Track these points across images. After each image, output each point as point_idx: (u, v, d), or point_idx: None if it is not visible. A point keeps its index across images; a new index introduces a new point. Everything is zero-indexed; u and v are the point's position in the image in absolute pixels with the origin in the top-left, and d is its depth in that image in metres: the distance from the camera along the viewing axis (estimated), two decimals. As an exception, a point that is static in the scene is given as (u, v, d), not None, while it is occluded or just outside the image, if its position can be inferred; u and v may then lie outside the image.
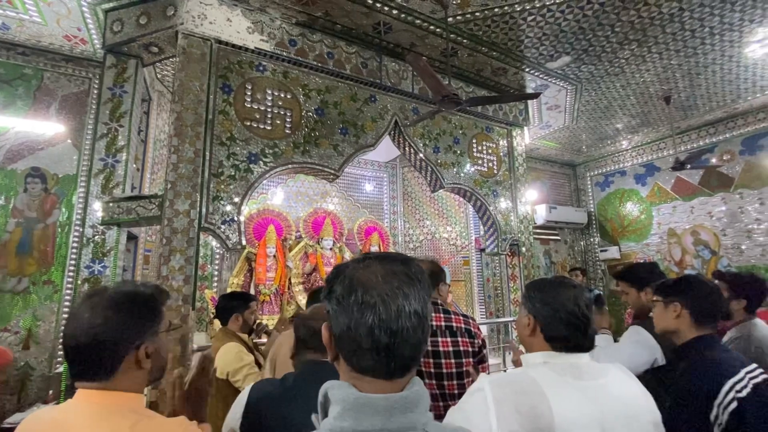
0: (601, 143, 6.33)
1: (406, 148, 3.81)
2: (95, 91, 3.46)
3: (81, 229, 2.86)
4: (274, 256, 4.84)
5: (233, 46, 2.86)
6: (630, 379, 1.04)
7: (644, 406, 1.00)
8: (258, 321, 2.46)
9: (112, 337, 0.80)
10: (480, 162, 4.16)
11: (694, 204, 5.75)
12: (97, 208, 2.71)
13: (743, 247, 5.20)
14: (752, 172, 5.18)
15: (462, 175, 3.99)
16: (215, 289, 5.02)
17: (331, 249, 5.40)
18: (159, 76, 3.96)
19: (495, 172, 4.27)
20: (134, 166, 3.30)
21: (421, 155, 3.75)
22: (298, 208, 5.92)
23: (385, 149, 4.96)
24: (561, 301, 1.04)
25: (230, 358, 2.04)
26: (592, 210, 7.11)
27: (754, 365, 1.24)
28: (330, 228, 5.47)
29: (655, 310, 1.48)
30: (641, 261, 6.10)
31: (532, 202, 6.03)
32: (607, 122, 5.45)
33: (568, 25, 3.28)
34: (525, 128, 4.69)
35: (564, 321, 1.02)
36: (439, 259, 6.75)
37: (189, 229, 2.48)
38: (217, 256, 5.19)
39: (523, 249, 4.31)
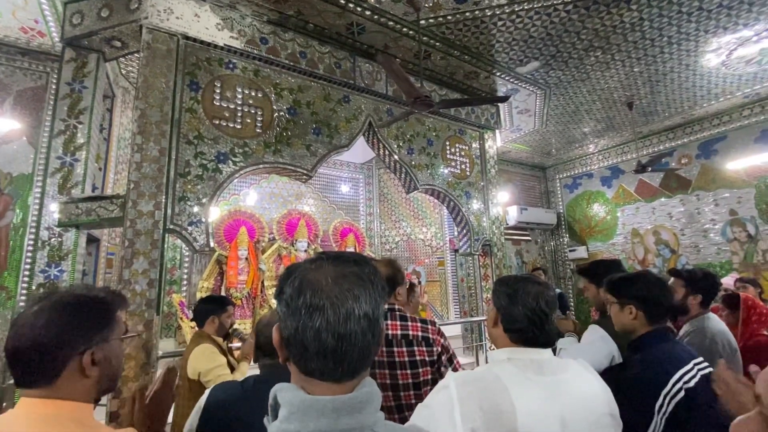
0: (569, 147, 6.55)
1: (381, 150, 3.82)
2: (53, 87, 3.28)
3: (36, 232, 2.70)
4: (246, 258, 4.74)
5: (201, 42, 2.78)
6: (589, 374, 1.08)
7: (602, 399, 1.03)
8: (233, 325, 2.42)
9: (53, 342, 0.75)
10: (453, 164, 4.22)
11: (655, 205, 6.03)
12: (54, 209, 2.57)
13: (700, 246, 5.49)
14: (708, 175, 5.48)
15: (435, 176, 4.03)
16: (184, 294, 4.86)
17: (305, 251, 5.34)
18: (123, 72, 3.82)
19: (467, 174, 4.33)
20: (96, 165, 3.15)
21: (396, 157, 3.76)
22: (271, 209, 5.83)
23: (361, 151, 4.95)
24: (522, 296, 1.07)
25: (203, 359, 2.01)
26: (562, 211, 7.34)
27: (701, 358, 1.30)
28: (304, 229, 5.41)
29: (612, 309, 1.52)
30: (617, 258, 6.36)
31: (503, 204, 6.17)
32: (574, 126, 5.65)
33: (537, 31, 3.38)
34: (497, 131, 4.79)
35: (521, 314, 1.04)
36: (414, 259, 6.80)
37: (153, 230, 2.39)
38: (187, 260, 5.03)
39: (495, 249, 4.40)
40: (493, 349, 1.18)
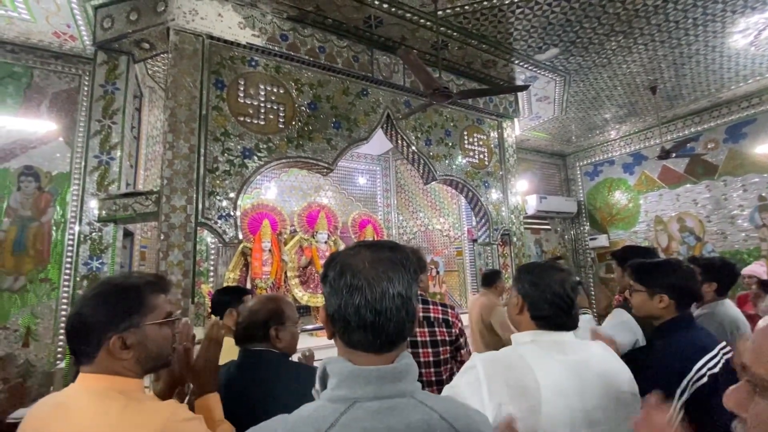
0: (589, 133, 6.43)
1: (399, 141, 3.86)
2: (86, 88, 3.44)
3: (76, 227, 2.87)
4: (270, 250, 4.89)
5: (225, 41, 2.87)
6: (610, 355, 1.13)
7: (623, 378, 1.08)
8: None
9: (85, 326, 0.84)
10: (471, 154, 4.23)
11: (679, 192, 5.89)
12: (93, 206, 2.73)
13: (727, 232, 5.35)
14: (735, 159, 5.31)
15: (454, 167, 4.05)
16: (212, 284, 5.06)
17: (325, 242, 5.45)
18: (150, 72, 3.95)
19: (486, 163, 4.34)
20: (128, 162, 3.31)
21: (414, 148, 3.80)
22: (292, 202, 5.95)
23: (378, 142, 5.00)
24: (548, 283, 1.11)
25: (224, 350, 2.09)
26: (582, 199, 7.24)
27: (724, 342, 1.32)
28: (324, 222, 5.52)
29: (637, 296, 1.51)
30: (651, 246, 6.27)
31: (522, 193, 6.13)
32: (595, 113, 5.54)
33: (556, 18, 3.34)
34: (515, 120, 4.76)
35: (549, 301, 1.09)
36: (432, 250, 6.84)
37: (186, 224, 2.52)
38: (213, 252, 5.21)
39: (514, 238, 4.41)
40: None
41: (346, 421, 0.58)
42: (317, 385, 0.68)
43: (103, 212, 2.71)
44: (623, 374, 1.09)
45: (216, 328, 1.10)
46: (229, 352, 2.15)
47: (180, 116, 2.61)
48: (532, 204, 6.48)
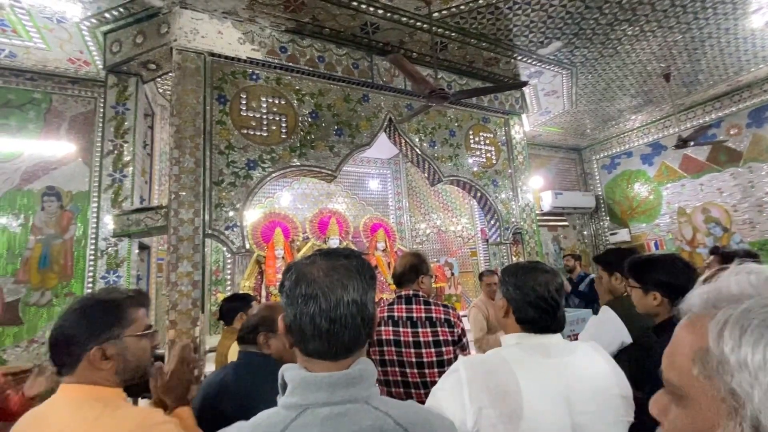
0: (604, 125, 6.26)
1: (403, 145, 3.87)
2: (101, 110, 3.61)
3: (95, 242, 3.01)
4: (283, 257, 4.97)
5: (226, 57, 2.96)
6: (599, 356, 1.09)
7: (612, 380, 1.05)
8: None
9: (66, 338, 0.89)
10: (478, 153, 4.19)
11: (703, 181, 5.65)
12: (108, 222, 2.85)
13: (756, 222, 5.09)
14: (761, 144, 5.06)
15: (460, 167, 4.02)
16: (229, 293, 5.18)
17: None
18: (161, 90, 4.11)
19: (494, 162, 4.29)
20: (142, 179, 3.45)
21: (418, 150, 3.80)
22: (304, 209, 6.04)
23: (387, 146, 5.02)
24: (531, 286, 1.09)
25: (233, 356, 2.17)
26: (600, 193, 7.04)
27: None
28: (335, 227, 5.57)
29: (634, 293, 1.49)
30: (634, 246, 6.05)
31: (536, 190, 6.01)
32: (607, 104, 5.39)
33: (555, 11, 3.28)
34: (523, 116, 4.68)
35: (533, 304, 1.07)
36: (446, 251, 6.79)
37: (194, 236, 2.60)
38: (229, 262, 5.35)
39: (527, 237, 4.33)
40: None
41: (295, 428, 0.60)
42: (280, 392, 0.70)
43: (118, 228, 2.82)
44: (612, 376, 1.06)
45: (187, 349, 1.14)
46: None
47: (185, 132, 2.71)
48: (547, 201, 6.35)
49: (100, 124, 3.55)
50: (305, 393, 0.63)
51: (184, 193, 2.62)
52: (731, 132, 5.32)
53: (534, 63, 4.09)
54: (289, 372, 0.66)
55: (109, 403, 0.86)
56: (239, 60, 3.01)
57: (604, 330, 1.60)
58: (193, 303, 2.51)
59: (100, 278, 2.82)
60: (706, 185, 5.61)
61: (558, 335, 1.10)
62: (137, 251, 3.08)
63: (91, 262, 3.38)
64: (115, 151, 2.98)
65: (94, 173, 3.54)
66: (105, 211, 2.88)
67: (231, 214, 2.79)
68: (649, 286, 1.38)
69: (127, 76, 3.11)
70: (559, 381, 0.99)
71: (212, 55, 2.91)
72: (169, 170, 2.69)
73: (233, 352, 2.23)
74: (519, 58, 3.97)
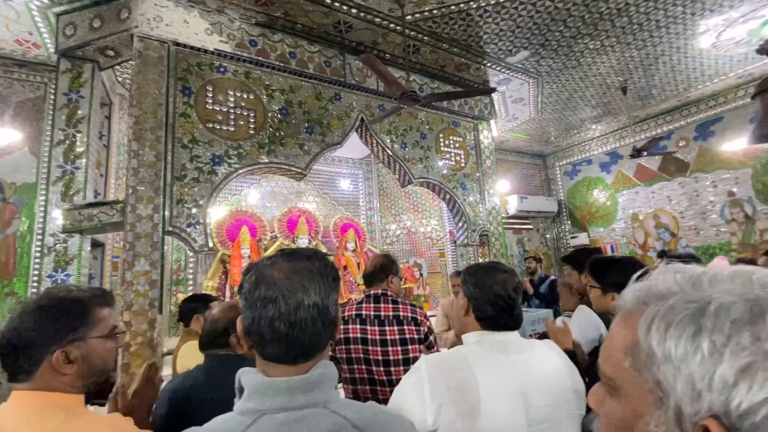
0: (567, 134, 6.54)
1: (374, 145, 3.87)
2: (51, 97, 3.37)
3: (42, 238, 2.81)
4: (249, 257, 4.84)
5: (192, 48, 2.85)
6: (554, 354, 1.14)
7: (566, 376, 1.10)
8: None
9: (24, 341, 0.81)
10: (447, 156, 4.26)
11: (654, 189, 6.03)
12: (57, 216, 2.67)
13: (700, 228, 5.49)
14: (705, 156, 5.47)
15: (430, 169, 4.08)
16: (191, 293, 4.98)
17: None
18: (120, 79, 3.89)
19: (462, 165, 4.38)
20: (97, 171, 3.25)
21: (389, 151, 3.81)
22: (273, 207, 5.91)
23: (359, 146, 5.00)
24: (490, 285, 1.13)
25: (189, 356, 2.08)
26: (562, 198, 7.35)
27: None
28: (305, 226, 5.50)
29: (593, 293, 1.58)
30: (598, 246, 6.38)
31: (503, 193, 6.19)
32: (570, 113, 5.64)
33: (523, 21, 3.39)
34: (491, 122, 4.81)
35: (491, 302, 1.10)
36: (416, 252, 6.86)
37: (153, 233, 2.48)
38: (192, 261, 5.14)
39: (493, 239, 4.45)
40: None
41: None
42: (237, 396, 0.67)
43: (68, 223, 2.65)
44: (566, 372, 1.11)
45: (153, 369, 1.08)
46: (198, 356, 2.15)
47: (145, 124, 2.58)
48: (513, 204, 6.56)
49: (51, 112, 3.31)
50: (262, 398, 0.61)
51: (142, 188, 2.50)
52: (680, 144, 5.71)
53: (503, 70, 4.21)
54: (246, 376, 0.64)
55: (71, 411, 0.80)
56: (206, 51, 2.90)
57: (587, 329, 1.68)
58: (150, 303, 2.39)
59: (47, 277, 2.63)
60: (657, 193, 5.99)
61: (516, 333, 1.14)
62: (89, 248, 2.90)
63: (37, 260, 3.14)
64: (67, 141, 2.79)
65: (42, 164, 3.30)
66: (54, 204, 2.70)
67: (194, 210, 2.68)
68: (607, 287, 1.46)
69: (82, 62, 2.92)
70: (517, 377, 1.03)
71: (177, 44, 2.79)
72: (127, 163, 2.56)
73: (185, 355, 2.13)
74: (488, 65, 4.07)
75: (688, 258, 2.13)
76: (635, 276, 0.48)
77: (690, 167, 5.61)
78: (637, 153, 4.72)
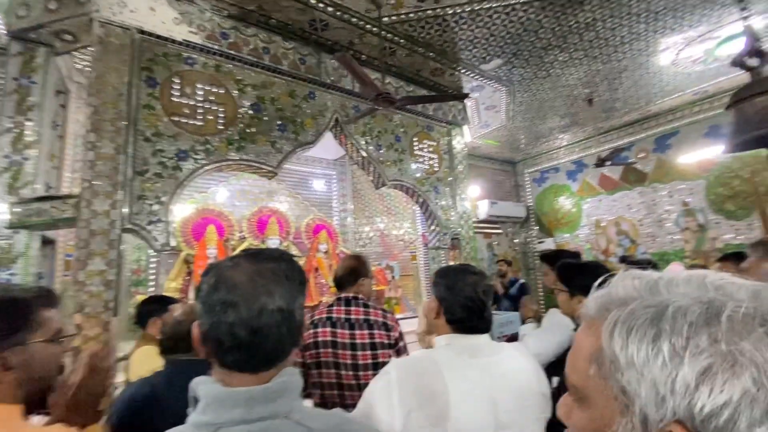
0: (537, 142, 6.75)
1: (349, 146, 3.83)
2: (0, 82, 3.13)
3: (-16, 234, 2.58)
4: (215, 257, 4.67)
5: (158, 37, 2.72)
6: (522, 357, 1.15)
7: (533, 379, 1.11)
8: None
9: None
10: (421, 160, 4.28)
11: (616, 198, 6.31)
12: (2, 210, 2.46)
13: (656, 235, 5.79)
14: (663, 168, 5.78)
15: (404, 172, 4.08)
16: (151, 294, 4.75)
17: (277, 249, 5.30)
18: (79, 66, 3.66)
19: (436, 169, 4.41)
20: (50, 163, 3.03)
21: (364, 153, 3.79)
22: (242, 207, 5.73)
23: (334, 146, 4.94)
24: (461, 287, 1.13)
25: (143, 363, 1.96)
26: (531, 204, 7.57)
27: None
28: (275, 227, 5.37)
29: (560, 296, 1.62)
30: (577, 251, 6.62)
31: (474, 198, 6.30)
32: (540, 122, 5.82)
33: (498, 30, 3.47)
34: (465, 127, 4.88)
35: (462, 305, 1.10)
36: (388, 254, 6.86)
37: (110, 230, 2.33)
38: (153, 260, 4.91)
39: (464, 243, 4.50)
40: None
41: None
42: (192, 407, 0.63)
43: (15, 218, 2.45)
44: (533, 375, 1.12)
45: (97, 356, 0.99)
46: (154, 361, 2.02)
47: (104, 114, 2.43)
48: (483, 209, 6.68)
49: (-1, 98, 3.07)
50: (219, 410, 0.56)
51: (99, 182, 2.35)
52: (640, 155, 6.01)
53: (476, 77, 4.29)
54: (202, 386, 0.59)
55: (7, 424, 0.72)
56: (174, 41, 2.78)
57: (555, 333, 1.70)
58: (105, 305, 2.24)
59: (-12, 276, 2.42)
60: (619, 201, 6.28)
61: (486, 336, 1.14)
62: (38, 246, 2.70)
63: (-22, 257, 2.89)
64: (16, 130, 2.59)
65: (-13, 154, 3.04)
66: (-1, 197, 2.49)
67: (155, 207, 2.55)
68: (575, 290, 1.50)
69: (36, 45, 2.72)
70: (486, 381, 1.02)
71: (142, 32, 2.65)
72: (83, 156, 2.40)
73: (137, 362, 2.00)
74: (463, 71, 4.14)
75: (646, 264, 2.23)
76: (596, 284, 0.48)
77: (649, 177, 5.91)
78: (601, 163, 4.93)
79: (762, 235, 4.67)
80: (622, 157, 5.93)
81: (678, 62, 4.27)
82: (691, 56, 4.14)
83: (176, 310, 1.62)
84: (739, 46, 3.83)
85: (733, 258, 2.22)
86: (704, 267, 4.06)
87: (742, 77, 4.63)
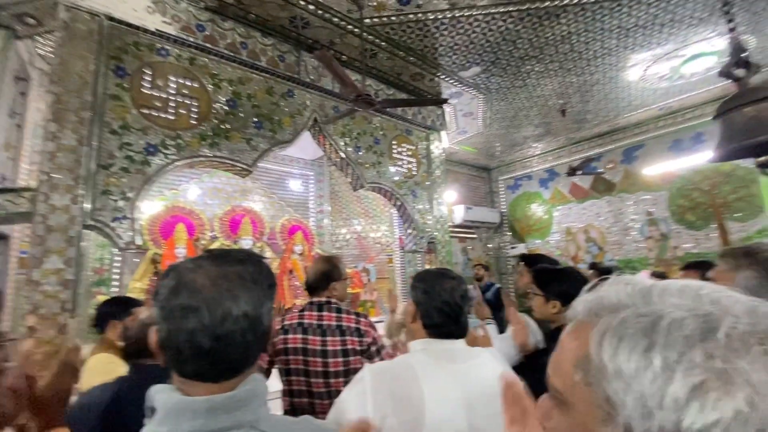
0: (511, 150, 6.90)
1: (327, 147, 3.79)
2: (-49, 64, 2.90)
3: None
4: (184, 257, 4.50)
5: (129, 25, 2.60)
6: (497, 362, 1.15)
7: (507, 383, 1.11)
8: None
9: None
10: (400, 163, 4.29)
11: (586, 206, 6.54)
12: (-52, 202, 2.28)
13: (623, 243, 6.04)
14: (630, 178, 6.04)
15: (382, 175, 4.08)
16: (114, 295, 4.52)
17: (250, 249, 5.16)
18: (42, 52, 3.46)
19: (414, 173, 4.43)
20: (6, 154, 2.84)
21: (342, 154, 3.76)
22: (214, 205, 5.56)
23: (312, 146, 4.88)
24: (438, 291, 1.12)
25: (96, 373, 1.76)
26: (504, 210, 7.73)
27: None
28: (249, 227, 5.24)
29: (536, 300, 1.64)
30: (555, 258, 6.81)
31: (450, 203, 6.37)
32: (515, 130, 5.96)
33: (477, 38, 3.53)
34: (443, 133, 4.94)
35: (438, 309, 1.09)
36: (365, 257, 6.82)
37: (69, 226, 2.20)
38: (118, 259, 4.68)
39: (440, 246, 4.54)
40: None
41: None
42: (147, 416, 0.58)
43: (-38, 210, 2.27)
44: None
45: (73, 353, 0.93)
46: (110, 369, 1.88)
47: (67, 104, 2.29)
48: (459, 214, 6.76)
49: (-52, 81, 2.85)
50: (177, 421, 0.52)
51: (59, 175, 2.21)
52: (608, 166, 6.26)
53: (455, 84, 4.34)
54: (159, 395, 0.55)
55: None
56: (146, 31, 2.66)
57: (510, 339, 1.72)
58: (62, 306, 2.11)
59: (-71, 273, 2.23)
60: (588, 209, 6.50)
61: (461, 341, 1.14)
62: (-11, 241, 2.52)
63: None
64: (-33, 116, 2.41)
65: (-67, 141, 2.82)
66: (-56, 188, 2.30)
67: (120, 203, 2.43)
68: (550, 295, 1.52)
69: (-7, 28, 2.55)
70: (462, 386, 1.02)
71: (111, 19, 2.53)
72: (42, 146, 2.25)
73: (91, 369, 1.83)
74: (442, 77, 4.18)
75: (615, 270, 2.31)
76: (586, 287, 0.47)
77: (616, 187, 6.16)
78: (572, 172, 5.09)
79: (719, 245, 4.95)
80: (592, 167, 6.16)
81: (646, 78, 4.48)
82: (657, 73, 4.34)
83: (142, 313, 1.54)
84: (703, 64, 4.11)
85: (695, 267, 2.32)
86: (665, 274, 4.26)
87: (703, 95, 4.95)
